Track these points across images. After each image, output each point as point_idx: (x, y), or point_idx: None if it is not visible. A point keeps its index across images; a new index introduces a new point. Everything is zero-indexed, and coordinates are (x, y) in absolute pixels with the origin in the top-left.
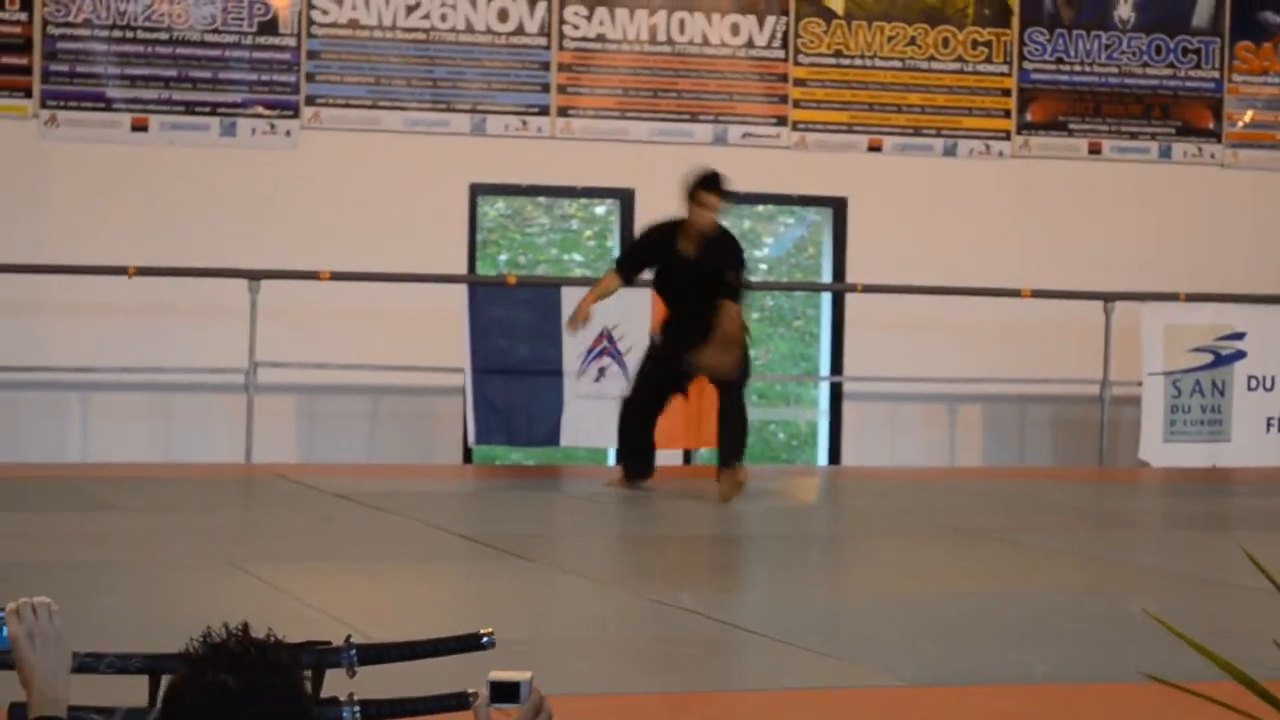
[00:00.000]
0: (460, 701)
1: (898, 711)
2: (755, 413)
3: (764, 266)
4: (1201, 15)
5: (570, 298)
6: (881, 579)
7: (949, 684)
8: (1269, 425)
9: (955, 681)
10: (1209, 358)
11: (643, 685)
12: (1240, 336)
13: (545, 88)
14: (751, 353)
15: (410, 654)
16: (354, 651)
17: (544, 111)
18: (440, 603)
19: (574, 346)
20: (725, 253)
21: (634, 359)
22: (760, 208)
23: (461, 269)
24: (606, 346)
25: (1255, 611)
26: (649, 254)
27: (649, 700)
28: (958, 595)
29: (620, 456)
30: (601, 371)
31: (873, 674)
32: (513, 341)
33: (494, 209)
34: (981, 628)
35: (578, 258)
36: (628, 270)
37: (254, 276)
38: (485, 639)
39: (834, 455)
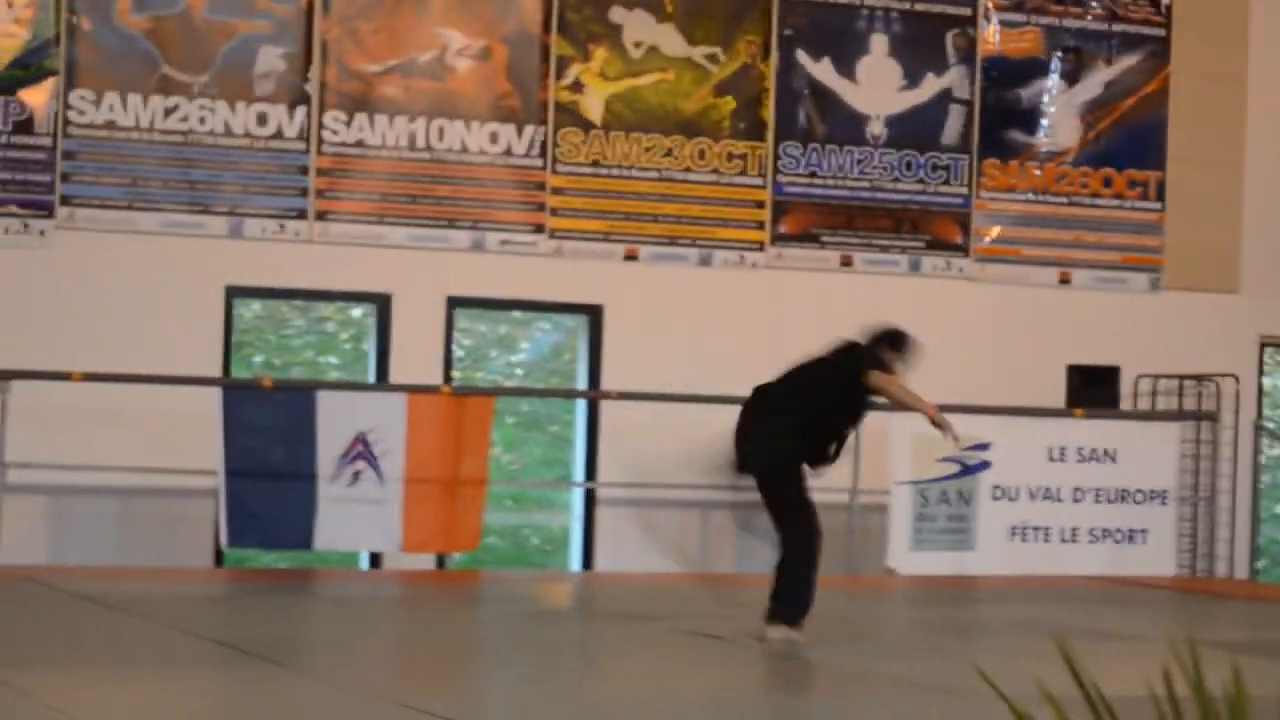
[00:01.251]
0: None
1: None
2: (509, 517)
3: (520, 371)
4: (951, 133)
5: (326, 402)
6: (632, 686)
7: None
8: (1012, 534)
9: None
10: (955, 467)
11: None
12: (985, 447)
13: (303, 192)
14: (506, 458)
15: None
16: None
17: (302, 215)
18: (190, 708)
19: (328, 449)
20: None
21: (390, 464)
22: (517, 314)
23: (216, 370)
24: (362, 450)
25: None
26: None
27: None
28: (711, 704)
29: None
30: (356, 475)
31: None
32: (266, 444)
33: (250, 311)
34: None
35: (334, 360)
36: None
37: (4, 376)
38: None
39: (587, 561)
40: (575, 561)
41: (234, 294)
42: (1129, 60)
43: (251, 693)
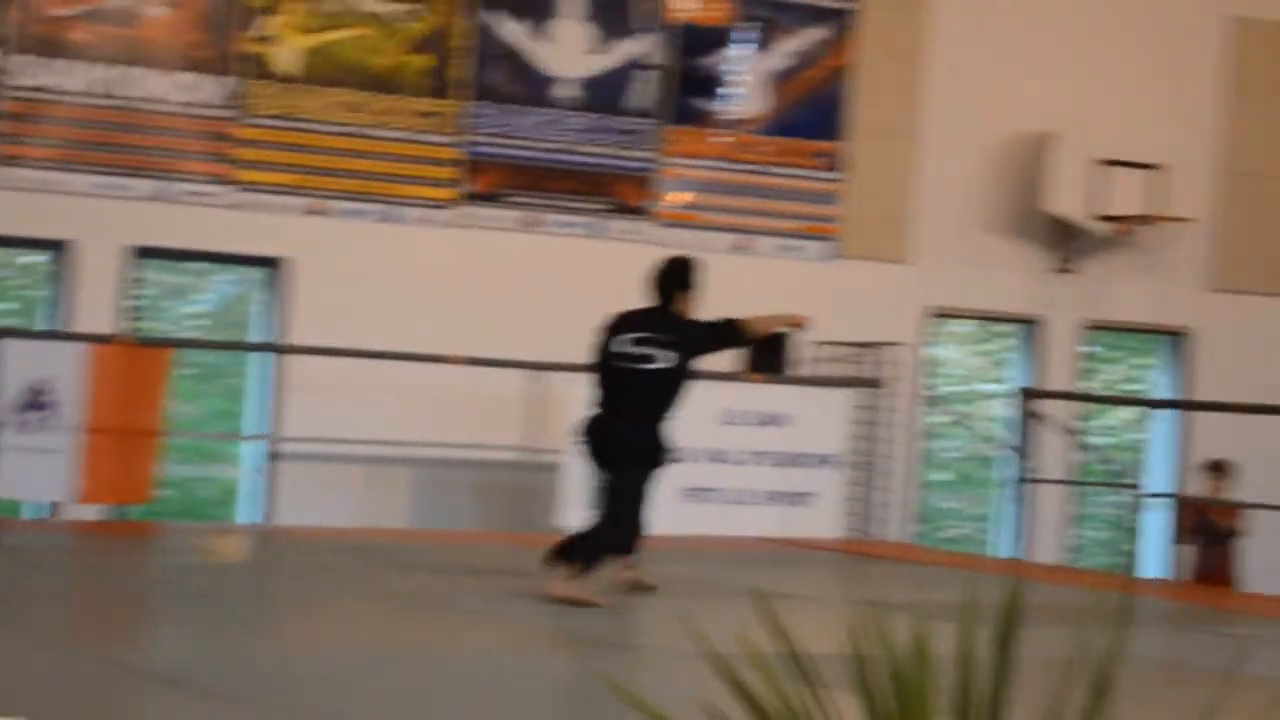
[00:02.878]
0: None
1: None
2: (185, 469)
3: (197, 323)
4: (640, 98)
5: (3, 349)
6: (309, 637)
7: None
8: (685, 495)
9: None
10: None
11: None
12: None
13: None
14: (182, 409)
15: None
16: None
17: None
18: None
19: (4, 397)
20: None
21: (68, 413)
22: (198, 265)
23: None
24: (39, 399)
25: (676, 674)
26: None
27: None
28: (406, 656)
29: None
30: (33, 424)
31: None
32: None
33: None
34: (437, 690)
35: (4, 307)
36: None
37: None
38: None
39: (265, 514)
40: (253, 514)
41: None
42: (816, 32)
43: None
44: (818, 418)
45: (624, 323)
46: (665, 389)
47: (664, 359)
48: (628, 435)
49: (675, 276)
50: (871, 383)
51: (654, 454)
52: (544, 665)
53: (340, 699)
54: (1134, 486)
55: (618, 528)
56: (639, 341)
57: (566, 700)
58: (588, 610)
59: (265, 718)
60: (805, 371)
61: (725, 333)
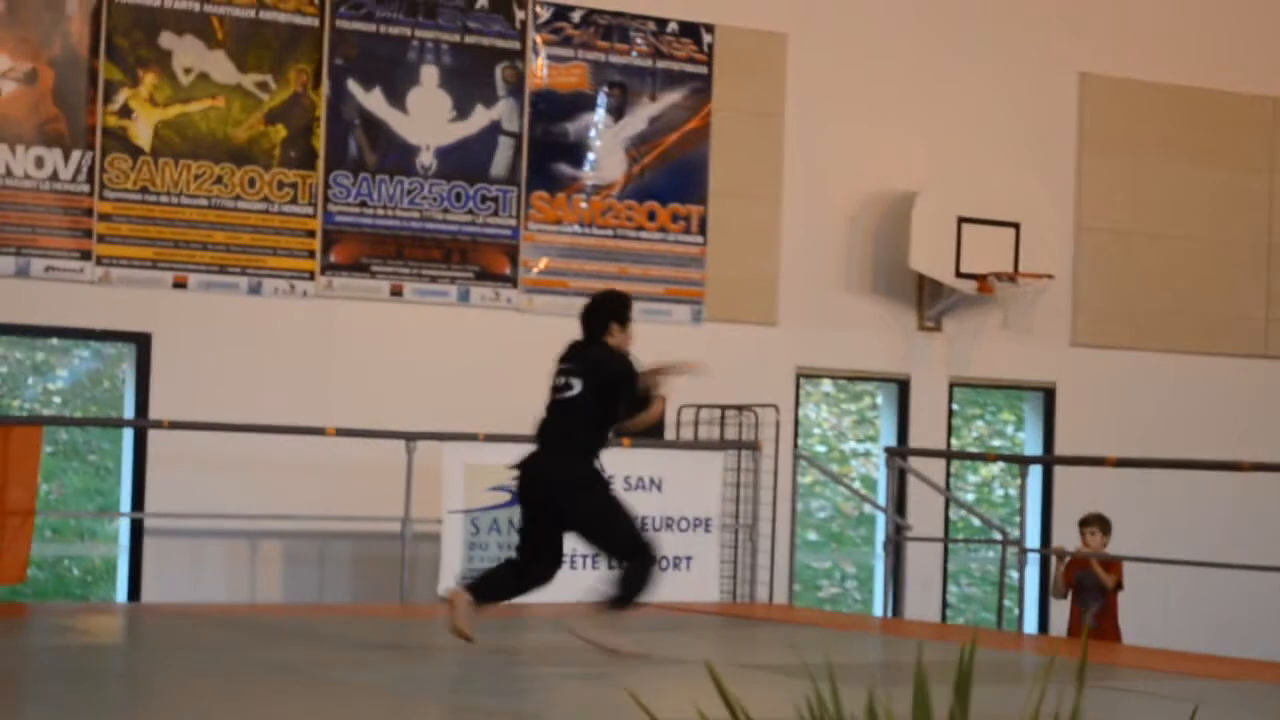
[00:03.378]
0: None
1: None
2: (49, 548)
3: (57, 400)
4: (500, 165)
5: None
6: (207, 713)
7: None
8: (572, 561)
9: None
10: (506, 495)
11: None
12: None
13: None
14: (44, 487)
15: None
16: None
17: None
18: None
19: None
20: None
21: None
22: (55, 340)
23: None
24: None
25: None
26: None
27: None
28: None
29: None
30: None
31: None
32: None
33: None
34: None
35: None
36: None
37: None
38: None
39: (134, 592)
40: (121, 593)
41: None
42: (673, 96)
43: None
44: (692, 481)
45: (563, 355)
46: (577, 417)
47: (576, 385)
48: (545, 469)
49: (600, 309)
50: (749, 445)
51: (581, 482)
52: None
53: None
54: (1010, 542)
55: (636, 559)
56: (562, 372)
57: None
58: (484, 681)
59: None
60: (674, 435)
61: (630, 372)
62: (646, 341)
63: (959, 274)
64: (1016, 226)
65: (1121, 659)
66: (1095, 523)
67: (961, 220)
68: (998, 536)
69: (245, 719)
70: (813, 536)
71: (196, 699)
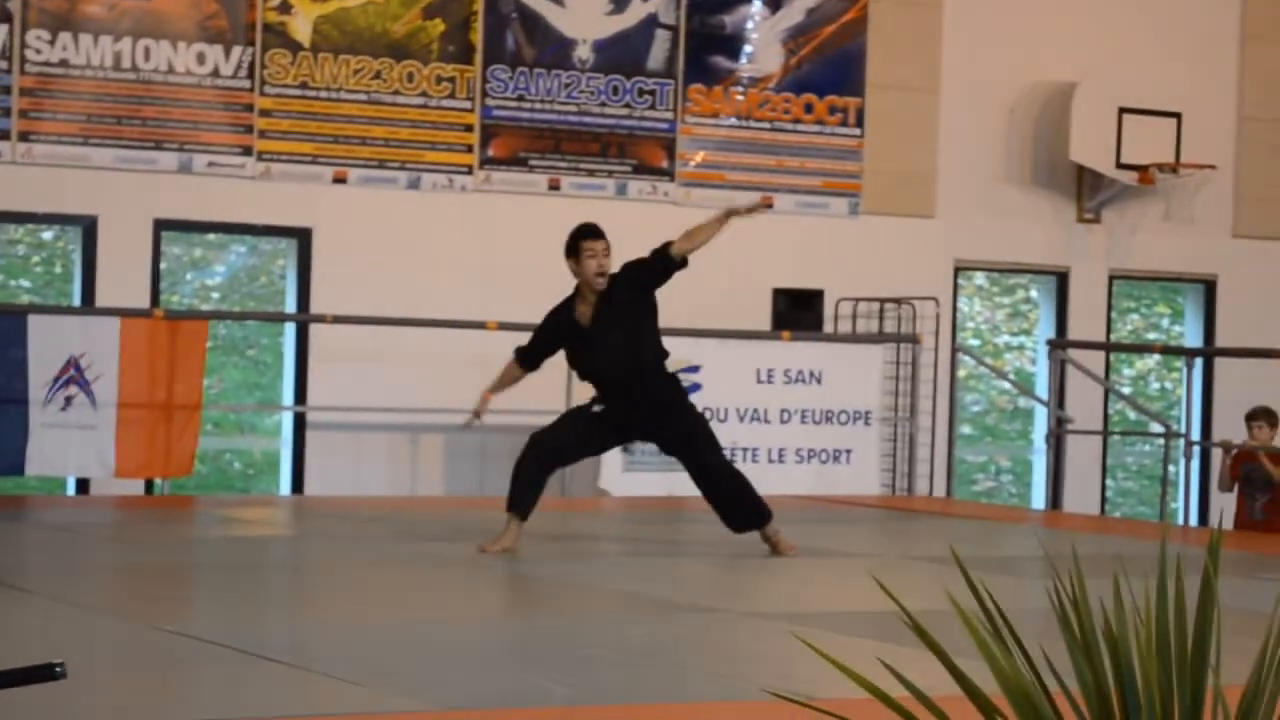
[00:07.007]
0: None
1: None
2: (211, 442)
3: (216, 295)
4: (657, 58)
5: (36, 325)
6: (379, 606)
7: (482, 708)
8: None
9: (488, 705)
10: None
11: (181, 714)
12: (696, 369)
13: (6, 112)
14: (206, 382)
15: None
16: None
17: (5, 136)
18: None
19: (39, 374)
20: (630, 281)
21: (103, 388)
22: (212, 236)
23: None
24: (74, 375)
25: (741, 634)
26: (549, 337)
27: None
28: (455, 622)
29: (512, 488)
30: (68, 400)
31: (402, 699)
32: None
33: None
34: (490, 653)
35: (25, 284)
36: (528, 359)
37: None
38: (58, 669)
39: (296, 485)
40: (284, 485)
41: None
42: None
43: (6, 621)
44: (851, 374)
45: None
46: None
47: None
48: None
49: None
50: (908, 338)
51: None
52: (586, 627)
53: (402, 656)
54: (1174, 435)
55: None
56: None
57: (610, 660)
58: (655, 572)
59: (307, 674)
60: (833, 329)
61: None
62: (804, 233)
63: (1119, 165)
64: (1178, 116)
65: None
66: (1263, 416)
67: (1122, 110)
68: (1159, 430)
69: (409, 608)
70: (967, 430)
71: (360, 588)
